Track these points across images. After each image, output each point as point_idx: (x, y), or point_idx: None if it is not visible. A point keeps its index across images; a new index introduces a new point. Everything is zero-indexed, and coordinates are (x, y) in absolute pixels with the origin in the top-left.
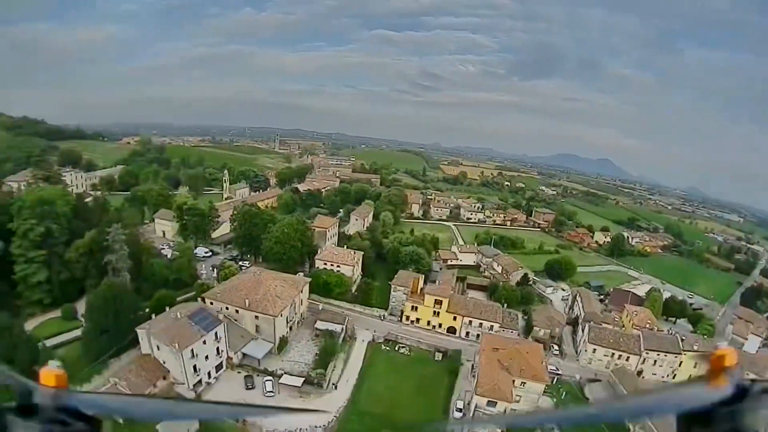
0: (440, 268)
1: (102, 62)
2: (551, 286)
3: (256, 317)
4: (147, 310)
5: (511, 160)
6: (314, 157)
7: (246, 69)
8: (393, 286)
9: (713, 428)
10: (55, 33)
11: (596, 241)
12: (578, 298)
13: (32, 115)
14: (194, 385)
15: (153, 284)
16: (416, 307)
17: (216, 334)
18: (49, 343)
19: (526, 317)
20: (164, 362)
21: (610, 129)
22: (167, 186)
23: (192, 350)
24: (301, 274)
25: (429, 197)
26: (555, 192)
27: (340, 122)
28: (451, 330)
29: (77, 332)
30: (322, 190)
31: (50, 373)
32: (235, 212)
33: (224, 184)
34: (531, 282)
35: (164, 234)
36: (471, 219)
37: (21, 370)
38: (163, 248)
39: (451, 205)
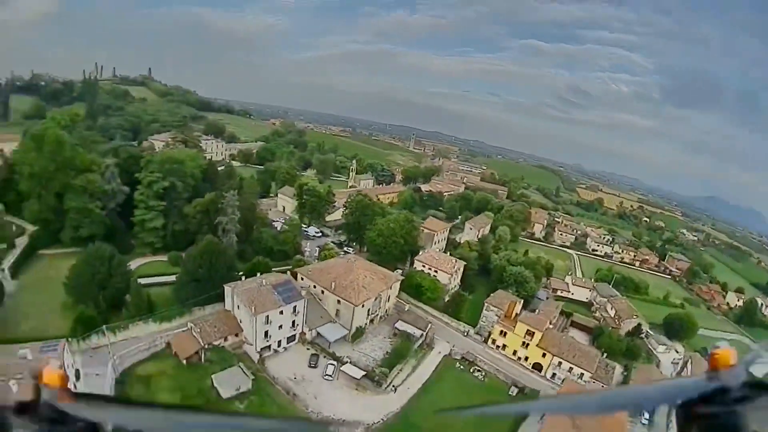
0: (546, 297)
1: (258, 49)
2: (664, 345)
3: (339, 302)
4: (241, 272)
5: (656, 194)
6: (445, 160)
7: (394, 68)
8: (486, 304)
9: (713, 426)
10: (216, 18)
11: (727, 303)
12: (689, 366)
13: (185, 86)
14: (261, 349)
15: (256, 250)
16: (505, 333)
17: (295, 307)
18: (148, 281)
19: (624, 373)
20: (240, 321)
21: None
22: (296, 166)
23: (267, 316)
24: (399, 271)
25: (556, 219)
26: (696, 238)
27: (480, 130)
28: (537, 366)
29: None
30: (445, 193)
31: (51, 373)
32: (349, 199)
33: (351, 173)
34: (643, 335)
35: (284, 209)
36: (596, 251)
37: (111, 297)
38: (277, 221)
39: (578, 232)
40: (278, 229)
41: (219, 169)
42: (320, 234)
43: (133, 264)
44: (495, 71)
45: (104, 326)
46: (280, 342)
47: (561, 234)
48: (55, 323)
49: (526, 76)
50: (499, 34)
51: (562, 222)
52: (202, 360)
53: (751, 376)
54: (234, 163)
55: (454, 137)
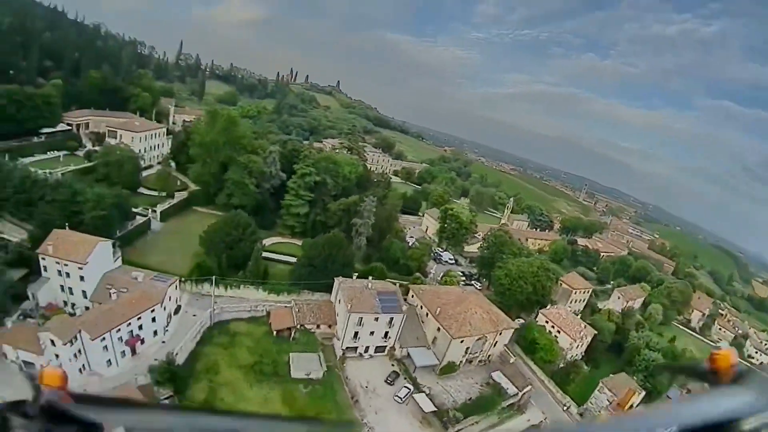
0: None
1: (444, 79)
2: None
3: (438, 329)
4: (356, 273)
5: None
6: (615, 219)
7: (577, 113)
8: (601, 384)
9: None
10: (409, 45)
11: None
12: None
13: (368, 102)
14: (347, 348)
15: (382, 257)
16: None
17: (391, 319)
18: (274, 257)
19: None
20: (337, 315)
21: None
22: (452, 192)
23: (361, 318)
24: (520, 320)
25: (720, 311)
26: None
27: (661, 193)
28: None
29: None
30: (603, 253)
31: (51, 373)
32: (488, 233)
33: (506, 211)
34: None
35: (426, 229)
36: (753, 358)
37: (234, 257)
38: (412, 238)
39: (739, 331)
40: (410, 244)
41: (372, 177)
42: (453, 261)
43: (269, 240)
44: (684, 130)
45: (213, 277)
46: (367, 348)
47: (720, 329)
48: (178, 264)
49: (714, 140)
50: (692, 90)
51: (726, 316)
52: (291, 337)
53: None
54: (395, 178)
55: (632, 198)
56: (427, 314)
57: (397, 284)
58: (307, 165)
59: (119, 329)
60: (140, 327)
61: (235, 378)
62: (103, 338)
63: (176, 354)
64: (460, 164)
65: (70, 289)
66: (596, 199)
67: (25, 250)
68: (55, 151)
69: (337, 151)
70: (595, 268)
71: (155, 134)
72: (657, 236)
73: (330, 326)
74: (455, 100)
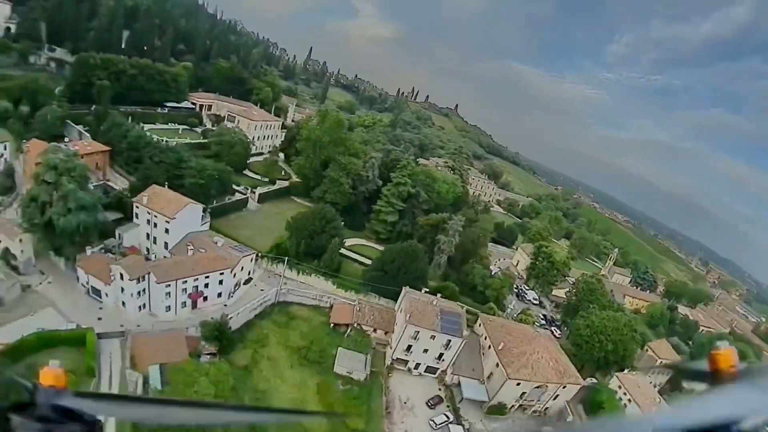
0: None
1: (566, 115)
2: None
3: (497, 365)
4: (426, 289)
5: None
6: (724, 293)
7: (700, 170)
8: None
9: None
10: (535, 78)
11: None
12: None
13: (484, 128)
14: (397, 359)
15: (459, 280)
16: None
17: (449, 342)
18: (352, 255)
19: None
20: (396, 324)
21: None
22: (552, 231)
23: (417, 332)
24: (592, 379)
25: None
26: None
27: None
28: None
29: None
30: (702, 327)
31: (51, 372)
32: (578, 280)
33: (608, 262)
34: None
35: (517, 264)
36: None
37: (312, 246)
38: (497, 269)
39: None
40: (492, 273)
41: (468, 199)
42: (537, 302)
43: (352, 240)
44: None
45: (286, 258)
46: (418, 365)
47: None
48: (262, 241)
49: None
50: None
51: None
52: (346, 334)
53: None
54: (496, 207)
55: (748, 274)
56: (489, 346)
57: (464, 308)
58: (403, 175)
59: (185, 281)
60: (206, 285)
61: (279, 355)
62: (168, 285)
63: (230, 317)
64: (569, 205)
65: (154, 238)
66: (709, 268)
67: (124, 197)
68: (176, 124)
69: (439, 168)
70: (690, 342)
71: (270, 126)
72: (764, 320)
73: (386, 333)
74: (575, 139)
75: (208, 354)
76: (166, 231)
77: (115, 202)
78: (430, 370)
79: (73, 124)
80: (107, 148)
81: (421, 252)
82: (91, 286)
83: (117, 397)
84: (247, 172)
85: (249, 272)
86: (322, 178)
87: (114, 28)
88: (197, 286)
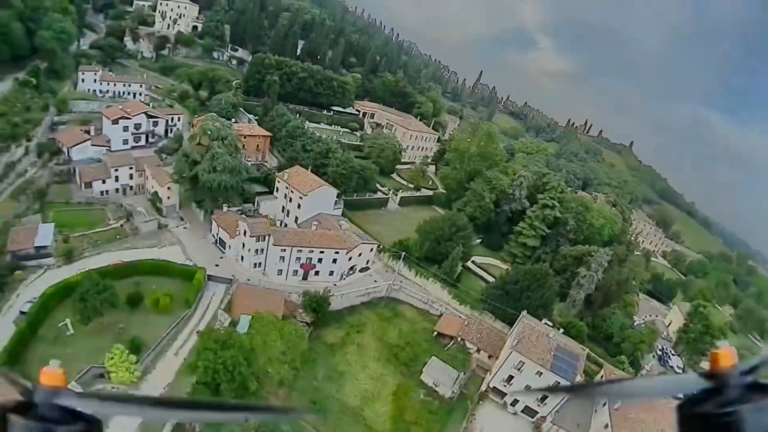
0: None
1: (756, 171)
2: None
3: (605, 426)
4: (548, 321)
5: None
6: None
7: None
8: None
9: (711, 426)
10: (718, 123)
11: None
12: None
13: (659, 171)
14: (493, 387)
15: (593, 324)
16: None
17: (557, 383)
18: (476, 270)
19: None
20: (506, 347)
21: None
22: (716, 294)
23: (522, 363)
24: None
25: None
26: None
27: None
28: None
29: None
30: None
31: (50, 372)
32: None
33: None
34: None
35: (669, 324)
36: None
37: (437, 251)
38: (640, 320)
39: None
40: (634, 324)
41: (627, 237)
42: (681, 371)
43: (485, 258)
44: None
45: (403, 253)
46: (516, 402)
47: None
48: (390, 238)
49: None
50: None
51: None
52: (447, 347)
53: (751, 378)
54: (660, 259)
55: None
56: (604, 404)
57: (586, 352)
58: (551, 197)
59: (300, 250)
60: (319, 260)
61: (370, 346)
62: (284, 249)
63: (332, 295)
64: (741, 270)
65: (288, 211)
66: None
67: (271, 174)
68: (338, 127)
69: (597, 199)
70: None
71: (425, 137)
72: None
73: (490, 357)
74: (762, 198)
75: (301, 322)
76: (299, 206)
77: (263, 178)
78: (527, 411)
79: (244, 112)
80: (268, 134)
81: (551, 279)
82: (219, 238)
83: (116, 396)
84: (394, 176)
85: (367, 261)
86: (465, 191)
87: (290, 36)
88: (311, 259)
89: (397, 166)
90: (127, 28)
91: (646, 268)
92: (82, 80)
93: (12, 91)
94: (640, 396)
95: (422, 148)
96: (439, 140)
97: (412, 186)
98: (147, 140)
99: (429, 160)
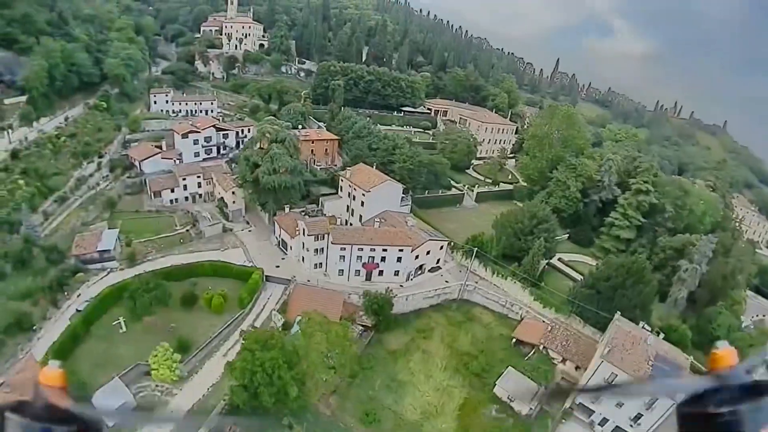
0: None
1: None
2: None
3: None
4: (646, 324)
5: None
6: None
7: None
8: None
9: (713, 425)
10: None
11: None
12: None
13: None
14: (578, 403)
15: (697, 325)
16: None
17: (654, 401)
18: (562, 267)
19: None
20: (596, 356)
21: None
22: None
23: (614, 375)
24: None
25: None
26: None
27: None
28: None
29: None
30: None
31: (50, 372)
32: None
33: None
34: None
35: None
36: None
37: (517, 246)
38: (748, 320)
39: None
40: (742, 326)
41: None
42: None
43: (574, 255)
44: None
45: (475, 249)
46: (605, 421)
47: None
48: (465, 236)
49: None
50: None
51: None
52: (527, 356)
53: (752, 378)
54: (764, 250)
55: None
56: None
57: (690, 361)
58: (644, 181)
59: (361, 249)
60: (383, 259)
61: (437, 353)
62: (343, 248)
63: (396, 296)
64: None
65: (352, 210)
66: None
67: (336, 173)
68: (410, 127)
69: (695, 182)
70: None
71: (502, 129)
72: None
73: (578, 368)
74: None
75: (361, 325)
76: (362, 204)
77: (330, 179)
78: None
79: (313, 120)
80: (336, 137)
81: (648, 273)
82: (281, 239)
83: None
84: (470, 172)
85: (438, 260)
86: (548, 181)
87: (354, 42)
88: (373, 257)
89: (473, 161)
90: (196, 53)
91: (752, 261)
92: (155, 102)
93: (83, 115)
94: (644, 395)
95: (500, 141)
96: (517, 131)
97: (489, 181)
98: (219, 152)
99: (507, 153)
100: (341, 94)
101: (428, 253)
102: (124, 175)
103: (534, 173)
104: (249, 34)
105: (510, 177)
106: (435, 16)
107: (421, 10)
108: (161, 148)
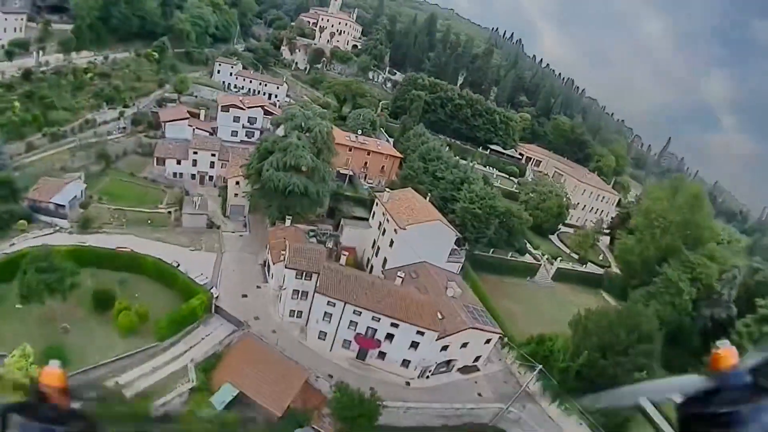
0: None
1: None
2: None
3: None
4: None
5: None
6: None
7: None
8: None
9: (713, 425)
10: None
11: None
12: None
13: None
14: None
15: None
16: None
17: None
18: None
19: None
20: None
21: None
22: None
23: None
24: None
25: None
26: None
27: None
28: None
29: None
30: None
31: (51, 372)
32: None
33: None
34: None
35: None
36: None
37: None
38: None
39: None
40: None
41: None
42: None
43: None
44: None
45: (539, 367)
46: None
47: None
48: (529, 328)
49: None
50: None
51: None
52: None
53: (751, 378)
54: None
55: None
56: None
57: None
58: None
59: (359, 313)
60: (388, 336)
61: None
62: (331, 303)
63: (384, 403)
64: None
65: (377, 249)
66: None
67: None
68: (494, 169)
69: None
70: None
71: (602, 197)
72: None
73: None
74: None
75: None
76: (391, 243)
77: (370, 201)
78: None
79: (383, 132)
80: (398, 154)
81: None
82: (268, 260)
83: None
84: (553, 238)
85: (476, 358)
86: (653, 276)
87: (452, 62)
88: (375, 330)
89: (560, 227)
90: (285, 38)
91: None
92: (218, 71)
93: (129, 60)
94: (644, 396)
95: (596, 210)
96: (619, 204)
97: (576, 256)
98: (260, 137)
99: (603, 227)
100: (420, 107)
101: (465, 345)
102: (142, 133)
103: (636, 261)
104: (343, 31)
105: (601, 258)
106: (548, 64)
107: (534, 56)
108: (198, 117)
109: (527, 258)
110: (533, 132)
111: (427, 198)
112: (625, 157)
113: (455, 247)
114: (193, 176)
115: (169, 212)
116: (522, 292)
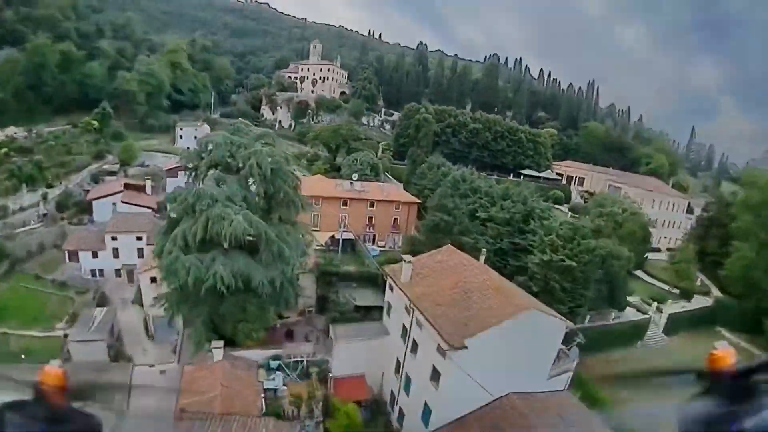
0: None
1: None
2: None
3: None
4: None
5: None
6: None
7: None
8: None
9: (711, 426)
10: None
11: None
12: None
13: None
14: None
15: None
16: None
17: None
18: None
19: None
20: None
21: None
22: None
23: None
24: None
25: None
26: None
27: None
28: None
29: None
30: None
31: (51, 371)
32: None
33: None
34: None
35: None
36: None
37: None
38: None
39: None
40: None
41: None
42: None
43: None
44: None
45: None
46: None
47: None
48: None
49: None
50: None
51: None
52: None
53: (749, 379)
54: None
55: None
56: None
57: None
58: None
59: None
60: None
61: None
62: None
63: None
64: None
65: (408, 379)
66: None
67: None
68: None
69: None
70: None
71: (672, 206)
72: None
73: None
74: None
75: None
76: (435, 376)
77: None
78: None
79: (389, 176)
80: (414, 199)
81: None
82: None
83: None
84: (640, 274)
85: None
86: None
87: (455, 85)
88: None
89: (646, 256)
90: (263, 96)
91: None
92: (180, 137)
93: (59, 132)
94: (649, 419)
95: (671, 224)
96: (689, 210)
97: (677, 291)
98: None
99: (689, 243)
100: (430, 132)
101: None
102: (68, 220)
103: (758, 277)
104: (327, 78)
105: (698, 284)
106: (555, 79)
107: (542, 69)
108: (143, 190)
109: (629, 313)
110: (563, 147)
111: (481, 258)
112: (675, 154)
113: (562, 346)
114: (117, 272)
115: (65, 335)
116: (636, 363)
